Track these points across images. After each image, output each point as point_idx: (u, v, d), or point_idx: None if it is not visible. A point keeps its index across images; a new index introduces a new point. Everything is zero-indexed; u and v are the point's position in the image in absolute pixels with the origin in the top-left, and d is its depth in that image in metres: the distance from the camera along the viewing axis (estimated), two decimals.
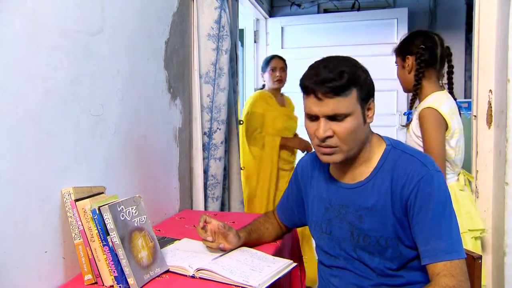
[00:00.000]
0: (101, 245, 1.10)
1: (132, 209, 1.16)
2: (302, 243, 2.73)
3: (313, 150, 1.21)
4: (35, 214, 1.07)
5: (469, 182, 1.89)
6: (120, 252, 1.08)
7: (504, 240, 1.73)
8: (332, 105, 1.08)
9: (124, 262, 1.08)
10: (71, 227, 1.13)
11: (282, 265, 1.23)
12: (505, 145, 1.72)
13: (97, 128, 1.30)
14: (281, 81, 2.91)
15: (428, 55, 1.77)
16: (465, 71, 3.91)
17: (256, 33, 4.09)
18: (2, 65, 0.97)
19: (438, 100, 1.72)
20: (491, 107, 1.91)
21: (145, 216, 1.19)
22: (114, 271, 1.10)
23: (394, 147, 1.17)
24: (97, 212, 1.08)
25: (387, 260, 1.14)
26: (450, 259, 1.04)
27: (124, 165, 1.46)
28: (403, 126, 1.91)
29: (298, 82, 1.14)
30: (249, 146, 2.88)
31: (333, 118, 1.09)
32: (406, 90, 1.90)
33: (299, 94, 1.16)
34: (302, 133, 2.67)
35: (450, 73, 1.86)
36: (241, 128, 2.86)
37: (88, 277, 1.14)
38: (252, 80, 4.07)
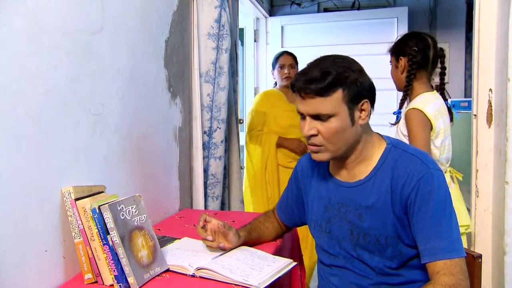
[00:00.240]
0: (101, 244, 1.10)
1: (132, 208, 1.16)
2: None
3: None
4: (35, 213, 1.07)
5: (457, 179, 1.92)
6: (120, 251, 1.08)
7: (504, 239, 1.73)
8: (315, 105, 1.10)
9: (124, 261, 1.09)
10: (71, 226, 1.13)
11: (282, 264, 1.23)
12: (505, 144, 1.72)
13: (97, 127, 1.30)
14: (290, 78, 2.84)
15: (420, 57, 1.82)
16: (465, 70, 3.91)
17: (256, 32, 4.09)
18: (2, 64, 0.97)
19: (425, 101, 1.77)
20: (491, 106, 1.91)
21: (145, 215, 1.20)
22: (114, 270, 1.10)
23: (395, 146, 1.17)
24: (97, 211, 1.08)
25: (387, 259, 1.14)
26: (450, 257, 1.05)
27: (124, 164, 1.46)
28: (392, 124, 1.96)
29: None
30: (249, 144, 2.88)
31: (317, 117, 1.11)
32: (399, 89, 1.96)
33: None
34: None
35: (442, 74, 1.93)
36: (246, 127, 2.87)
37: (88, 276, 1.14)
38: (252, 79, 4.07)
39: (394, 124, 1.93)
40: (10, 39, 0.99)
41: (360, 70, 1.14)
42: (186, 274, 1.18)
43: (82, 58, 1.23)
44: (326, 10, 4.23)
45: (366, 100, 1.13)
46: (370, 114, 1.16)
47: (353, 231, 1.17)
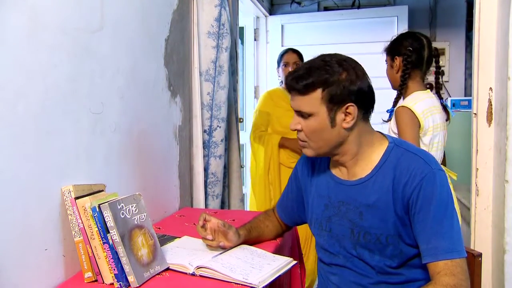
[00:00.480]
0: (101, 242, 1.10)
1: (132, 207, 1.16)
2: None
3: None
4: (35, 211, 1.07)
5: (451, 179, 1.92)
6: (120, 250, 1.08)
7: (504, 238, 1.73)
8: (297, 102, 1.14)
9: (124, 259, 1.09)
10: (71, 224, 1.13)
11: (282, 263, 1.23)
12: (505, 143, 1.72)
13: (97, 126, 1.30)
14: None
15: (415, 57, 1.87)
16: (465, 69, 3.91)
17: (256, 31, 4.08)
18: (2, 63, 0.97)
19: (415, 99, 1.82)
20: (491, 105, 1.91)
21: (145, 214, 1.19)
22: (114, 269, 1.10)
23: (397, 145, 1.17)
24: (97, 210, 1.08)
25: (387, 258, 1.14)
26: (451, 258, 1.04)
27: (124, 163, 1.46)
28: (384, 121, 1.99)
29: None
30: (253, 144, 2.88)
31: (300, 114, 1.15)
32: (394, 88, 1.99)
33: None
34: None
35: (438, 73, 1.97)
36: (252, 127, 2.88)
37: (88, 274, 1.14)
38: (252, 78, 4.07)
39: (386, 122, 1.98)
40: (10, 37, 0.98)
41: (352, 72, 1.10)
42: (186, 273, 1.18)
43: (82, 57, 1.23)
44: (326, 8, 4.23)
45: (352, 104, 1.10)
46: (357, 118, 1.12)
47: (354, 229, 1.17)
